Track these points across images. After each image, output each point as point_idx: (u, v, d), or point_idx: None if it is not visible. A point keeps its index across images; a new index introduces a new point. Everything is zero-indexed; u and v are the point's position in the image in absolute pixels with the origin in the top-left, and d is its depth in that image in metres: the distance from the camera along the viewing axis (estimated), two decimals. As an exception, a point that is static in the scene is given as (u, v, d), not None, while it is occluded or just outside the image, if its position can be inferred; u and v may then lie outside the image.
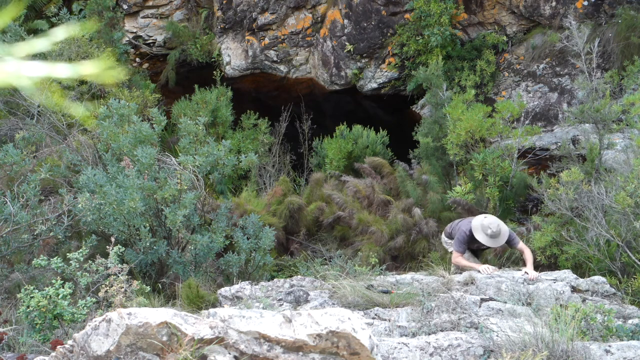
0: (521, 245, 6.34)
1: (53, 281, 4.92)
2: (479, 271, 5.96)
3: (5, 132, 10.02)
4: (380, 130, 12.68)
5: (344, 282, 5.83)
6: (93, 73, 0.67)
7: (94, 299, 5.01)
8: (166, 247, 6.65)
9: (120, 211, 6.24)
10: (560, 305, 4.43)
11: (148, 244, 6.44)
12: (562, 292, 5.35)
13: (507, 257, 8.38)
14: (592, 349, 3.78)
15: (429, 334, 4.16)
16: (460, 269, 6.27)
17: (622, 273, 6.73)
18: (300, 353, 3.28)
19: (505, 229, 6.16)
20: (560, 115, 13.53)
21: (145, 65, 17.54)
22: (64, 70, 0.64)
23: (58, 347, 3.40)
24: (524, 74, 14.68)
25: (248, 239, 7.39)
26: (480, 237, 6.09)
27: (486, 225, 6.12)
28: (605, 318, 4.23)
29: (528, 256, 6.11)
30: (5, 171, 7.35)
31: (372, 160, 11.18)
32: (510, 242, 6.30)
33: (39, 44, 0.62)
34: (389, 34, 15.74)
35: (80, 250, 5.46)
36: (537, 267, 7.70)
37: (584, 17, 13.71)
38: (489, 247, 6.45)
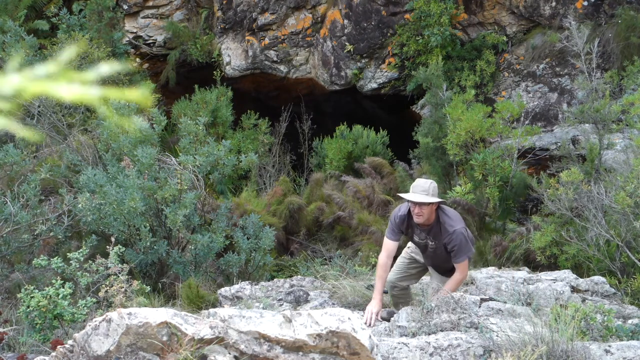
0: (462, 267, 4.55)
1: (53, 281, 4.92)
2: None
3: (6, 132, 10.02)
4: (380, 130, 12.68)
5: (344, 282, 5.84)
6: (136, 97, 0.89)
7: (94, 299, 5.01)
8: (166, 247, 6.65)
9: (120, 211, 6.24)
10: (560, 305, 4.44)
11: (148, 244, 6.44)
12: (562, 292, 5.35)
13: (507, 257, 8.39)
14: (592, 349, 3.78)
15: (429, 334, 4.16)
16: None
17: (622, 273, 6.73)
18: (300, 353, 3.28)
19: (437, 198, 4.47)
20: (560, 116, 13.53)
21: (146, 65, 17.55)
22: (114, 94, 0.87)
23: (58, 347, 3.40)
24: (524, 74, 14.68)
25: (248, 239, 7.39)
26: (405, 194, 4.56)
27: (416, 180, 4.61)
28: (605, 318, 4.24)
29: (447, 286, 4.57)
30: (5, 171, 7.35)
31: (372, 160, 11.19)
32: (452, 246, 4.48)
33: (92, 74, 0.87)
34: (389, 34, 15.75)
35: (81, 250, 5.47)
36: (537, 267, 7.71)
37: (583, 17, 13.71)
38: (426, 238, 4.66)
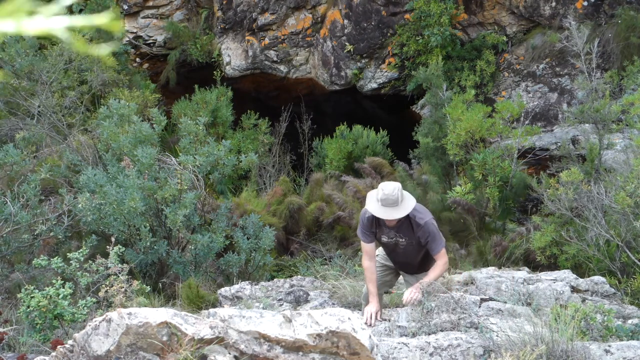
0: (442, 255, 4.47)
1: (53, 281, 4.93)
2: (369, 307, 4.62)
3: (6, 132, 10.03)
4: (380, 130, 12.69)
5: (344, 282, 5.84)
6: (104, 22, 0.85)
7: (94, 299, 5.01)
8: (166, 247, 6.65)
9: (120, 211, 6.24)
10: (560, 305, 4.44)
11: (148, 244, 6.45)
12: (562, 292, 5.35)
13: (507, 257, 8.39)
14: (592, 349, 3.78)
15: (429, 334, 4.16)
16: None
17: (621, 273, 6.73)
18: (300, 353, 3.29)
19: (409, 200, 4.36)
20: (560, 115, 13.53)
21: (146, 66, 17.55)
22: (81, 21, 0.84)
23: (58, 347, 3.40)
24: (524, 74, 14.68)
25: (248, 239, 7.39)
26: (371, 206, 4.35)
27: (380, 190, 4.33)
28: (605, 318, 4.24)
29: (432, 274, 4.48)
30: (5, 171, 7.36)
31: (372, 160, 11.19)
32: (425, 238, 4.41)
33: (54, 7, 0.84)
34: (389, 34, 15.75)
35: (81, 250, 5.47)
36: (537, 267, 7.71)
37: (583, 18, 13.71)
38: (397, 239, 4.55)
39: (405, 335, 4.22)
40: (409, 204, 4.33)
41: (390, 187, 4.29)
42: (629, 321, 4.88)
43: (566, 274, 5.90)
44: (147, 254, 6.54)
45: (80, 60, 11.48)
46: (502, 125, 9.50)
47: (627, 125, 8.92)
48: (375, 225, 4.52)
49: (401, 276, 5.11)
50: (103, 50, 0.99)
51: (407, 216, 4.42)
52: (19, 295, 4.86)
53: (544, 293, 5.34)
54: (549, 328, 3.63)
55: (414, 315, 4.42)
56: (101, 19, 0.84)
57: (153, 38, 17.83)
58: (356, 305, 5.42)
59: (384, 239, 4.60)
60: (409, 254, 4.63)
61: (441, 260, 4.48)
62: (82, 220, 6.63)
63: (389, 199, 4.24)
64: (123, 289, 4.81)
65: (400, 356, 3.79)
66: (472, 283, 5.82)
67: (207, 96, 12.78)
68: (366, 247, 4.60)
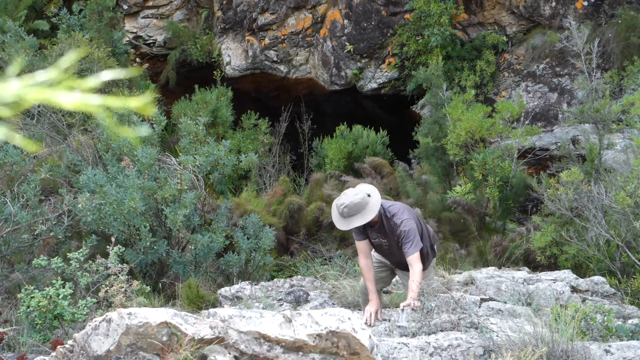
0: (414, 259, 4.25)
1: (53, 281, 4.93)
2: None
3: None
4: (380, 130, 12.68)
5: (344, 282, 5.84)
6: (138, 105, 0.86)
7: (94, 299, 5.01)
8: (166, 247, 6.65)
9: (120, 211, 6.24)
10: (560, 305, 4.44)
11: (148, 244, 6.44)
12: (562, 292, 5.35)
13: (507, 257, 8.39)
14: (592, 349, 3.78)
15: (429, 334, 4.16)
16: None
17: (622, 273, 6.73)
18: (300, 353, 3.28)
19: (367, 199, 4.28)
20: (560, 116, 13.53)
21: (146, 66, 17.55)
22: (115, 102, 0.86)
23: (58, 347, 3.40)
24: (524, 74, 14.68)
25: (248, 239, 7.39)
26: (334, 216, 4.43)
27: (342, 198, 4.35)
28: (605, 318, 4.24)
29: (413, 279, 4.24)
30: (5, 171, 7.35)
31: (372, 160, 11.19)
32: (400, 239, 4.33)
33: (92, 82, 0.85)
34: (389, 34, 15.75)
35: (81, 250, 5.47)
36: (537, 267, 7.71)
37: (583, 18, 13.71)
38: (382, 244, 4.59)
39: (405, 335, 4.21)
40: (373, 205, 4.30)
41: (352, 193, 4.32)
42: (629, 321, 4.88)
43: (566, 274, 5.90)
44: (147, 254, 6.54)
45: (80, 61, 11.47)
46: (502, 125, 9.50)
47: (627, 125, 8.92)
48: (363, 225, 4.47)
49: (397, 277, 5.11)
50: (139, 132, 1.01)
51: (386, 217, 4.44)
52: (19, 295, 4.86)
53: (544, 293, 5.34)
54: (549, 328, 3.63)
55: (414, 315, 4.41)
56: (135, 102, 0.85)
57: (153, 38, 17.83)
58: (356, 305, 5.42)
59: (372, 239, 4.63)
60: (395, 254, 4.63)
61: (414, 266, 4.26)
62: (82, 220, 6.63)
63: (353, 208, 4.25)
64: (123, 289, 4.81)
65: (400, 356, 3.79)
66: (472, 283, 5.82)
67: (207, 96, 12.77)
68: (359, 245, 4.62)
